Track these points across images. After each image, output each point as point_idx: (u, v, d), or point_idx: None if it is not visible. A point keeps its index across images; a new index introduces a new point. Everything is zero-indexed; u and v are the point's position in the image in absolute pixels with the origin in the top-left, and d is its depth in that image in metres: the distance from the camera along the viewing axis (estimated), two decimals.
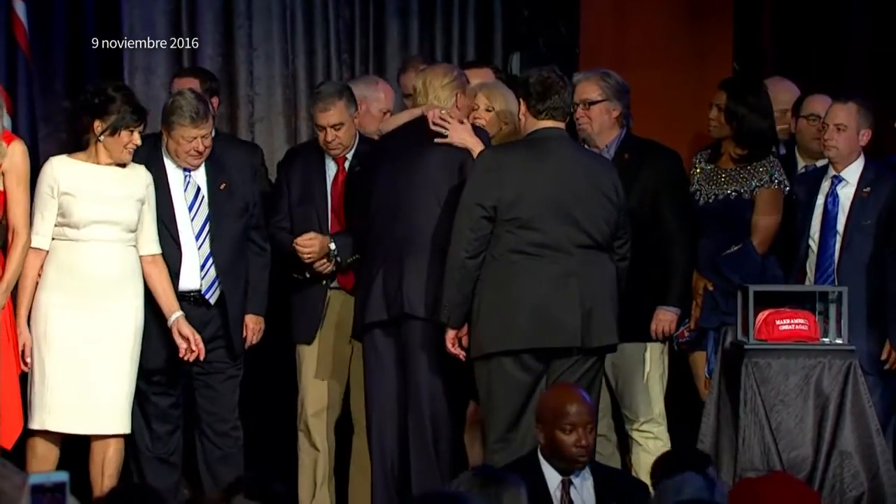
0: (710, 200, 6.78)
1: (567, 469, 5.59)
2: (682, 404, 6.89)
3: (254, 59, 8.22)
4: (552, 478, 5.59)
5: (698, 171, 6.85)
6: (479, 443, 6.59)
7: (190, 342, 6.26)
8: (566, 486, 5.60)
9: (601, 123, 6.74)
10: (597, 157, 6.51)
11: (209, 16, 8.13)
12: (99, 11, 7.93)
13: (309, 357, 6.82)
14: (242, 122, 8.23)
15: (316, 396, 6.83)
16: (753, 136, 6.72)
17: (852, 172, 6.59)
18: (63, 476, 3.96)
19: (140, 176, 6.30)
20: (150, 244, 6.32)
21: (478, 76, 7.10)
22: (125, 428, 6.26)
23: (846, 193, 6.56)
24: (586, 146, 6.74)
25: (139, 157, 6.34)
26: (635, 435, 6.79)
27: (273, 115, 8.14)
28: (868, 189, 6.56)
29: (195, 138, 6.35)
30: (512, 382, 6.09)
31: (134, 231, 6.26)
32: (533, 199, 6.11)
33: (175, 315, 6.28)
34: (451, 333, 6.22)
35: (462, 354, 6.24)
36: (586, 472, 5.62)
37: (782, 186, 6.74)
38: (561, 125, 6.25)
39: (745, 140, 6.72)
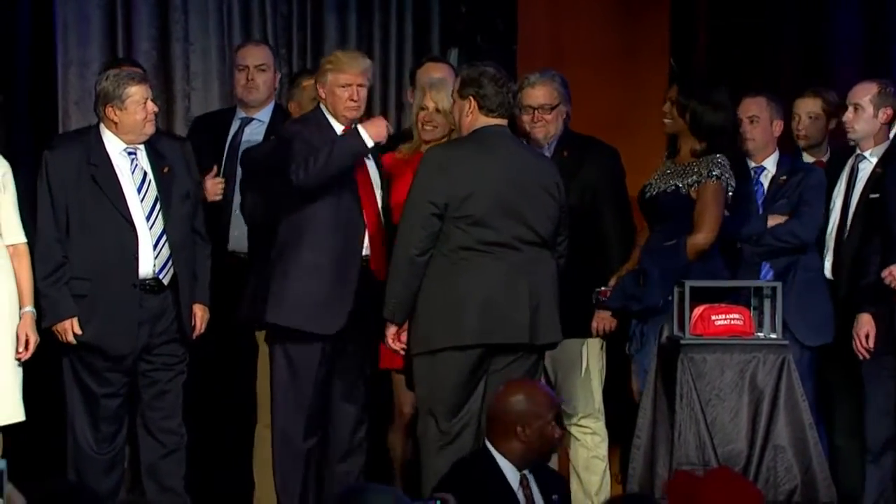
0: (655, 193, 6.80)
1: (523, 465, 5.60)
2: (619, 399, 6.92)
3: (190, 53, 8.20)
4: (512, 475, 5.61)
5: (660, 167, 6.86)
6: (408, 441, 6.60)
7: (27, 342, 6.22)
8: (525, 481, 5.62)
9: (556, 126, 6.77)
10: (539, 155, 6.53)
11: (144, 10, 8.09)
12: (32, 5, 7.87)
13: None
14: (179, 116, 8.20)
15: None
16: (710, 128, 6.69)
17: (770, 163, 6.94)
18: (1, 464, 3.97)
19: None
20: (10, 234, 6.30)
21: (438, 71, 7.09)
22: (15, 416, 6.22)
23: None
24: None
25: (79, 147, 6.34)
26: (573, 430, 6.80)
27: (210, 109, 8.08)
28: (784, 177, 6.88)
29: (147, 99, 6.34)
30: (457, 378, 6.09)
31: None
32: (483, 196, 6.11)
33: (24, 309, 6.26)
34: (392, 329, 6.22)
35: (402, 350, 6.24)
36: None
37: (721, 182, 6.73)
38: (505, 122, 6.25)
39: (702, 133, 6.69)
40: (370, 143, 6.40)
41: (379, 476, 6.63)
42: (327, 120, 6.53)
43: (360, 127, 6.44)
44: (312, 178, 6.31)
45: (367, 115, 6.72)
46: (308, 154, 6.32)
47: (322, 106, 6.55)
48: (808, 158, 7.19)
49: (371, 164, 6.56)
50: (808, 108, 7.13)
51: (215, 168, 7.07)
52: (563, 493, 5.73)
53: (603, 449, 6.83)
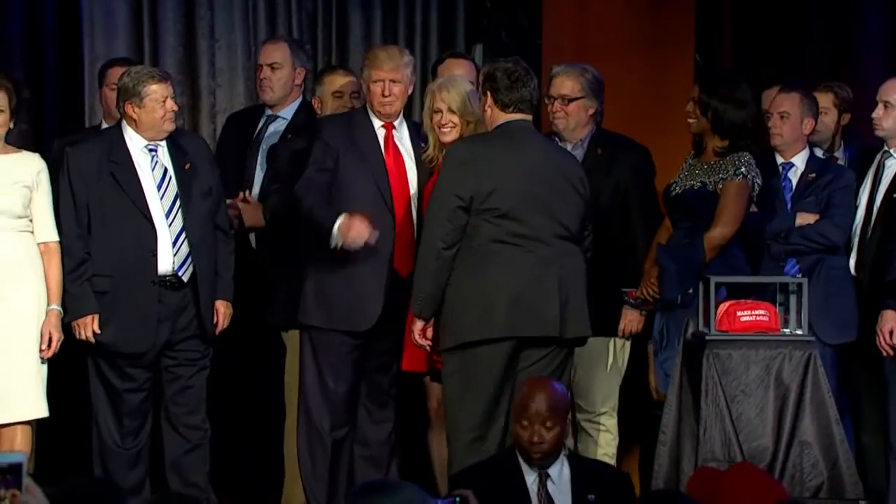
0: (680, 191, 6.79)
1: (540, 463, 5.59)
2: (637, 396, 6.91)
3: (216, 49, 8.23)
4: (529, 472, 5.61)
5: (685, 165, 6.84)
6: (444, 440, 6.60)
7: (50, 340, 6.24)
8: (543, 479, 5.62)
9: (577, 120, 6.76)
10: (562, 151, 6.55)
11: (170, 5, 8.13)
12: (59, 1, 7.90)
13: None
14: (204, 113, 8.23)
15: None
16: (731, 125, 6.65)
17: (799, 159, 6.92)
18: (20, 457, 3.99)
19: (30, 163, 6.31)
20: (43, 232, 6.32)
21: (459, 66, 7.08)
22: (38, 412, 6.24)
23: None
24: (557, 140, 6.74)
25: (101, 144, 6.35)
26: (586, 426, 6.79)
27: (235, 106, 8.13)
28: (813, 175, 6.85)
29: (167, 98, 6.37)
30: (488, 372, 6.09)
31: (24, 217, 6.28)
32: (510, 190, 6.12)
33: (50, 307, 6.29)
34: (420, 325, 6.22)
35: (429, 346, 6.24)
36: (563, 465, 5.64)
37: (748, 180, 6.71)
38: (528, 117, 6.26)
39: (724, 131, 6.65)
40: (334, 242, 6.38)
41: (418, 477, 6.58)
42: (368, 117, 6.59)
43: (338, 223, 6.37)
44: (283, 212, 6.57)
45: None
46: (306, 185, 6.44)
47: (367, 102, 6.64)
48: (818, 153, 7.17)
49: (409, 161, 6.58)
50: (820, 103, 7.09)
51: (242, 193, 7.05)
52: (621, 492, 5.65)
53: (613, 447, 6.82)
